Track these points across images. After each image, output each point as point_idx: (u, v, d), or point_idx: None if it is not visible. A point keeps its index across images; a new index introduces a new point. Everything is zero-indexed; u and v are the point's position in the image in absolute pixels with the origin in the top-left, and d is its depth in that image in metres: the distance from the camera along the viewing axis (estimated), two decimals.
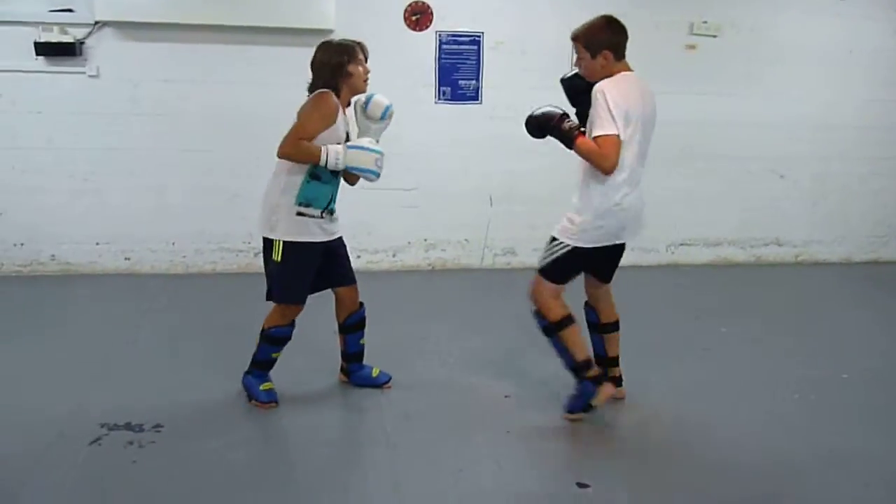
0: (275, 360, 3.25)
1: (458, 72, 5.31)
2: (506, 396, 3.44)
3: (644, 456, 2.95)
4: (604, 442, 3.10)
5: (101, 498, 2.57)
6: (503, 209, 5.58)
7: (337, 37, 4.94)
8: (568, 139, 3.05)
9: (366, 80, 3.19)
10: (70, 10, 4.83)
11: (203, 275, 5.28)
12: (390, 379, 3.48)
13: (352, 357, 3.45)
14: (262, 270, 3.20)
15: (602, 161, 2.92)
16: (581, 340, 3.16)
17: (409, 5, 5.18)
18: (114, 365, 3.65)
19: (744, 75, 5.69)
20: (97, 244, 5.19)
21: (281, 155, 2.99)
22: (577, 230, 3.03)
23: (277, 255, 3.06)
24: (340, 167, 3.03)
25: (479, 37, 5.29)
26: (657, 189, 5.65)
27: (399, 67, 5.21)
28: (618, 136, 2.88)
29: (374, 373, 3.46)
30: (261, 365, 3.24)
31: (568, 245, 3.05)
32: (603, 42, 2.99)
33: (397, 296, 4.96)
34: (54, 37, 4.80)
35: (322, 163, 2.97)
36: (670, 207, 5.71)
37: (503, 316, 4.59)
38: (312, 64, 3.11)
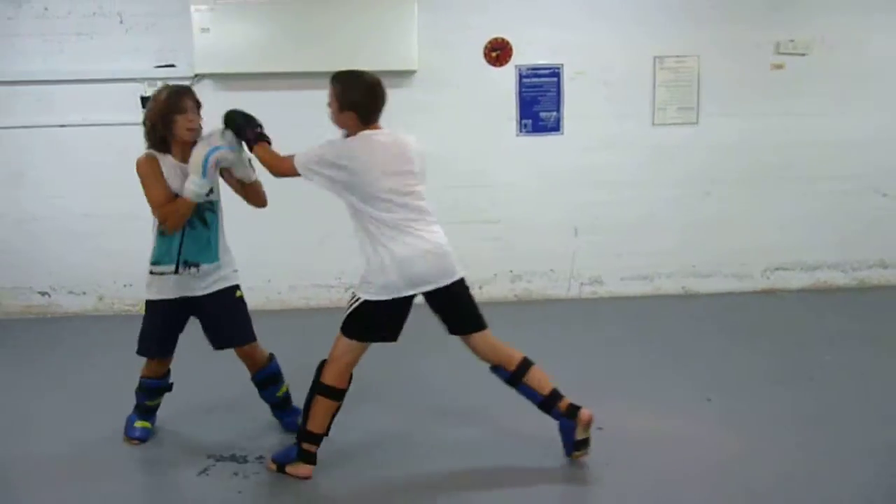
0: (151, 407, 3.35)
1: (539, 104, 5.36)
2: (599, 428, 3.39)
3: (751, 491, 2.85)
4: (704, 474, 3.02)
5: None
6: (588, 239, 5.55)
7: (421, 77, 5.26)
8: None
9: (189, 129, 3.04)
10: (172, 66, 5.17)
11: (297, 310, 5.47)
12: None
13: (276, 408, 3.40)
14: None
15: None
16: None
17: (489, 42, 5.28)
18: (217, 397, 3.82)
19: (835, 93, 5.49)
20: None
21: (169, 227, 3.00)
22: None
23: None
24: (199, 184, 2.94)
25: (558, 69, 5.33)
26: (750, 214, 5.57)
27: (480, 102, 5.32)
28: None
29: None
30: (139, 408, 3.34)
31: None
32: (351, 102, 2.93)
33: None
34: None
35: (194, 199, 2.96)
36: (764, 232, 5.55)
37: (589, 345, 4.56)
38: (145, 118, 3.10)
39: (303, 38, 5.04)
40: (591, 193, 5.46)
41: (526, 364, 3.06)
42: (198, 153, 2.96)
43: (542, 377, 3.06)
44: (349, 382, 2.96)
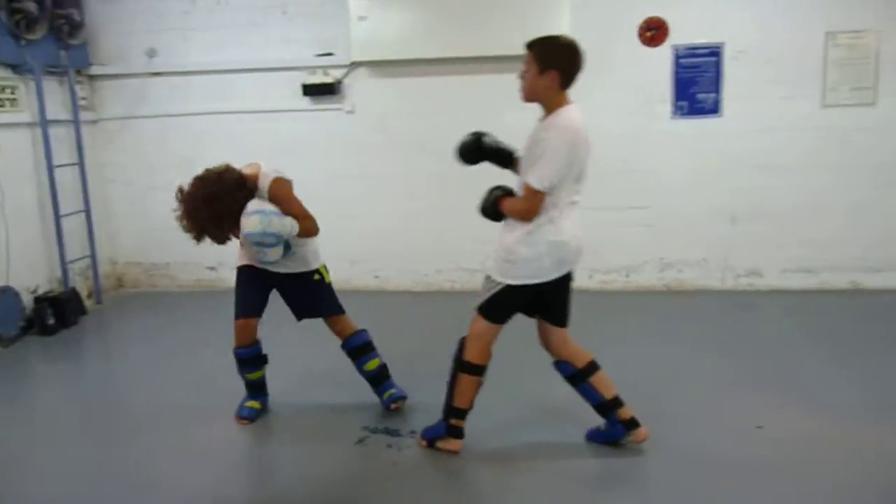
0: (254, 382, 3.46)
1: (696, 85, 5.12)
2: (759, 427, 3.22)
3: None
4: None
5: (368, 492, 2.82)
6: (746, 228, 5.24)
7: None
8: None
9: None
10: (331, 54, 5.40)
11: (443, 292, 5.58)
12: (403, 398, 3.51)
13: (369, 382, 3.54)
14: None
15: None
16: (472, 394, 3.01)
17: (644, 21, 5.10)
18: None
19: None
20: (350, 263, 5.70)
21: (315, 232, 3.30)
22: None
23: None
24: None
25: (718, 48, 5.06)
26: None
27: (633, 84, 5.17)
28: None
29: (387, 395, 3.51)
30: (247, 387, 3.51)
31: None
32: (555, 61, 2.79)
33: (632, 316, 4.87)
34: (318, 78, 5.41)
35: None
36: None
37: (749, 339, 4.33)
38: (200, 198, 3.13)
39: (455, 24, 5.09)
40: (751, 179, 5.15)
41: (594, 366, 3.06)
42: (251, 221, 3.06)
43: (608, 382, 3.05)
44: (489, 358, 3.00)
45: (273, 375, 3.55)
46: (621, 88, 5.19)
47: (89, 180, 5.53)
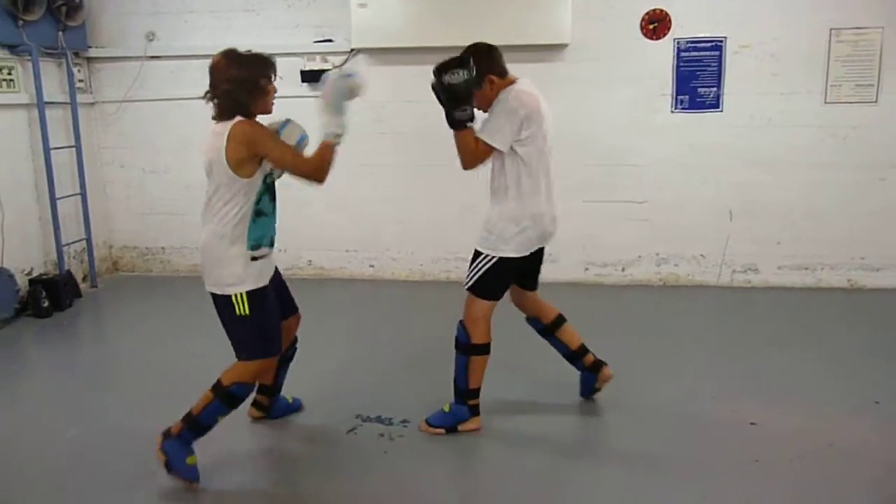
0: (214, 425, 2.78)
1: (698, 79, 5.09)
2: (752, 423, 3.22)
3: None
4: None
5: (359, 481, 2.80)
6: (744, 223, 5.23)
7: (573, 51, 5.14)
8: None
9: (273, 103, 2.77)
10: (330, 41, 5.36)
11: (438, 282, 5.56)
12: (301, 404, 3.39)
13: (277, 390, 3.25)
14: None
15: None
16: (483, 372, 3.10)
17: (647, 14, 5.06)
18: (362, 362, 3.97)
19: None
20: (346, 251, 5.69)
21: (322, 177, 2.72)
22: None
23: (243, 309, 2.69)
24: (342, 124, 2.73)
25: (721, 42, 5.03)
26: None
27: (634, 77, 5.14)
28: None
29: (289, 399, 3.35)
30: (199, 429, 2.76)
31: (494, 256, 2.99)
32: (484, 69, 2.92)
33: (627, 311, 4.87)
34: (316, 65, 5.37)
35: (337, 143, 2.71)
36: None
37: (744, 336, 4.32)
38: (222, 79, 2.64)
39: (455, 13, 5.04)
40: (750, 174, 5.13)
41: (561, 319, 3.33)
42: (331, 87, 2.70)
43: (573, 334, 3.34)
44: (491, 333, 3.09)
45: None
46: (623, 81, 5.16)
47: (86, 163, 5.50)
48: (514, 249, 2.97)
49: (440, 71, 2.86)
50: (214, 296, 2.74)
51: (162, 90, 5.61)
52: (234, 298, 2.68)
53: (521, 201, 2.94)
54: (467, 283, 3.05)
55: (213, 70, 2.68)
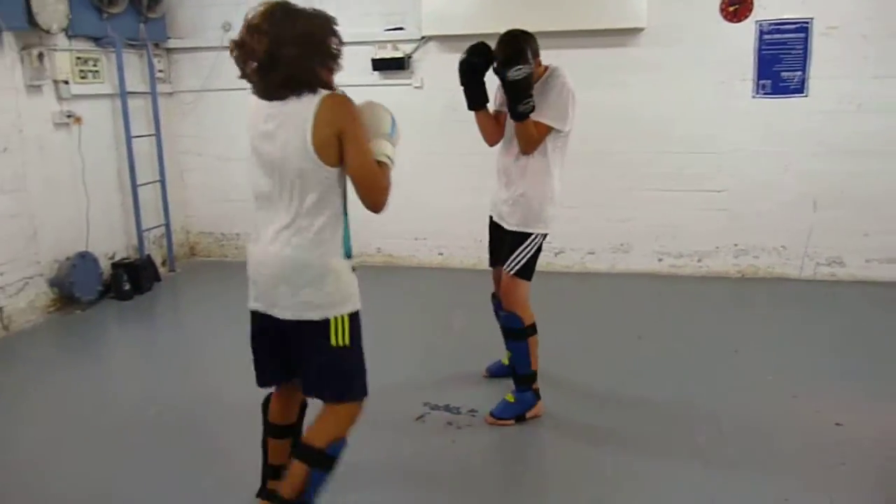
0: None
1: (781, 63, 4.86)
2: (837, 424, 3.06)
3: None
4: None
5: (427, 469, 2.81)
6: (829, 214, 4.97)
7: (649, 35, 4.97)
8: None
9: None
10: (401, 28, 5.36)
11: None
12: None
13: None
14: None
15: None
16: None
17: None
18: (434, 350, 3.97)
19: None
20: (415, 239, 5.70)
21: (383, 202, 2.17)
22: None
23: (343, 336, 2.15)
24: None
25: (807, 23, 4.78)
26: None
27: (714, 62, 4.95)
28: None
29: None
30: None
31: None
32: (533, 55, 2.97)
33: (703, 304, 4.71)
34: (387, 53, 5.38)
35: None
36: None
37: (827, 331, 4.13)
38: (288, 39, 2.04)
39: None
40: (836, 163, 4.88)
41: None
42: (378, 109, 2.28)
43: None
44: None
45: None
46: (701, 66, 4.98)
47: (164, 151, 5.68)
48: (550, 227, 3.07)
49: (505, 65, 2.88)
50: (302, 324, 2.13)
51: (237, 80, 5.68)
52: (333, 324, 2.12)
53: (561, 182, 3.05)
54: (514, 267, 3.03)
55: (271, 29, 2.04)
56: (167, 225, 5.74)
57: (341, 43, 2.14)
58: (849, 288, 4.91)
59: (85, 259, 4.84)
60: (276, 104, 2.08)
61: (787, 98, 4.90)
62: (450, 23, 5.12)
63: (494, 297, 3.42)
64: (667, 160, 5.12)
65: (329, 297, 2.11)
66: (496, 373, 3.51)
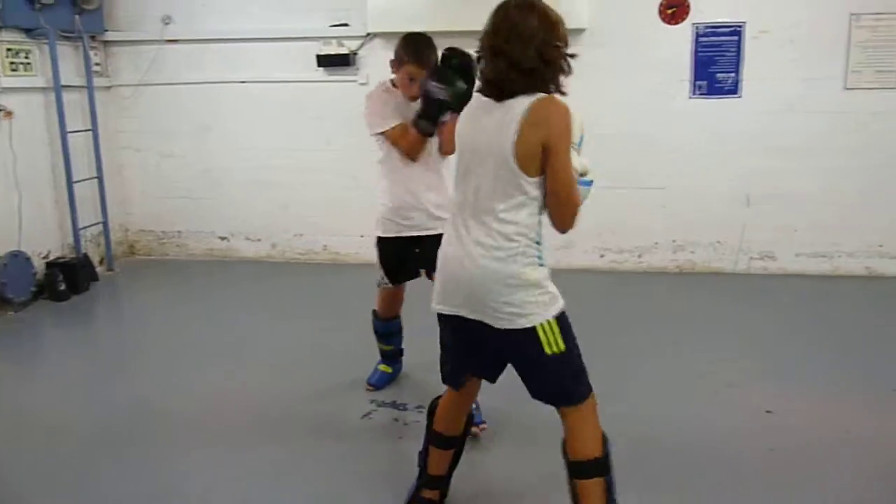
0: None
1: (716, 65, 5.03)
2: (768, 411, 3.20)
3: None
4: None
5: (372, 466, 2.82)
6: (761, 210, 5.18)
7: (590, 36, 5.08)
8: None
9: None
10: (346, 25, 5.34)
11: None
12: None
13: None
14: None
15: None
16: None
17: None
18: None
19: None
20: (361, 237, 5.68)
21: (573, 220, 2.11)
22: None
23: (556, 342, 2.05)
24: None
25: (740, 27, 4.97)
26: None
27: (652, 63, 5.09)
28: None
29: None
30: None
31: None
32: None
33: (643, 299, 4.84)
34: (332, 49, 5.36)
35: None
36: None
37: (759, 323, 4.30)
38: (541, 40, 2.02)
39: None
40: (768, 161, 5.08)
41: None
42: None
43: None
44: None
45: (287, 351, 3.55)
46: (640, 67, 5.11)
47: (102, 147, 5.52)
48: (380, 230, 3.55)
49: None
50: (507, 333, 2.04)
51: (178, 74, 5.61)
52: (540, 330, 2.02)
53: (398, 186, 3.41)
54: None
55: (520, 26, 2.00)
56: (105, 223, 5.59)
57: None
58: (780, 281, 5.12)
59: (17, 258, 4.68)
60: (493, 102, 2.10)
61: (722, 98, 5.08)
62: (395, 19, 5.11)
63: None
64: (608, 159, 5.21)
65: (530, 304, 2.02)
66: (378, 384, 3.47)
